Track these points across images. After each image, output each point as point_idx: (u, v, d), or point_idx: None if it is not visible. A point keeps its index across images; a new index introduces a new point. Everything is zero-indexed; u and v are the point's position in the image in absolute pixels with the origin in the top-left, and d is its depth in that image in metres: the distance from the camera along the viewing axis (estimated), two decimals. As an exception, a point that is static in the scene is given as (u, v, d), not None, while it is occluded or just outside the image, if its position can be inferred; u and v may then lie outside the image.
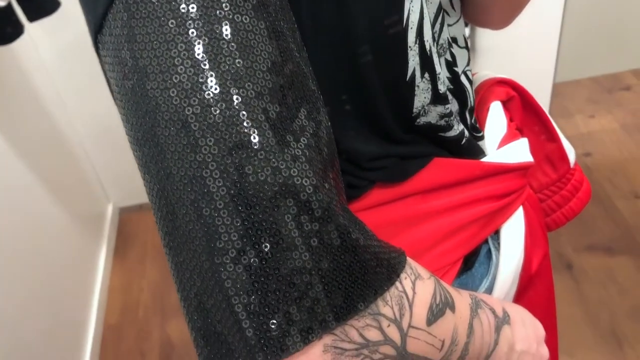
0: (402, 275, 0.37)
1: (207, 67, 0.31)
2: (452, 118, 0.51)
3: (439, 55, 0.50)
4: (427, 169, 0.51)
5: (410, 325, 0.36)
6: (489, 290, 0.56)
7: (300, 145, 0.33)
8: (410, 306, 0.37)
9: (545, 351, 0.53)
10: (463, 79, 0.54)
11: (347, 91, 0.45)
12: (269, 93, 0.32)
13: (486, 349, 0.45)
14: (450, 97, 0.52)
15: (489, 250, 0.57)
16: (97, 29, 0.35)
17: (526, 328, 0.50)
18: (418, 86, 0.47)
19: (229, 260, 0.31)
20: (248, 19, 0.33)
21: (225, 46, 0.32)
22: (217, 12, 0.32)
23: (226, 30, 0.32)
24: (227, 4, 0.32)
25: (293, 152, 0.32)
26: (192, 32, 0.31)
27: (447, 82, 0.52)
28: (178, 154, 0.32)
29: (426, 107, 0.48)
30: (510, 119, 0.65)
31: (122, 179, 2.11)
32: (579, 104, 2.35)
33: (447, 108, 0.50)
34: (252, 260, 0.31)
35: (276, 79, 0.33)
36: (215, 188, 0.31)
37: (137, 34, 0.32)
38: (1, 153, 1.43)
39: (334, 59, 0.43)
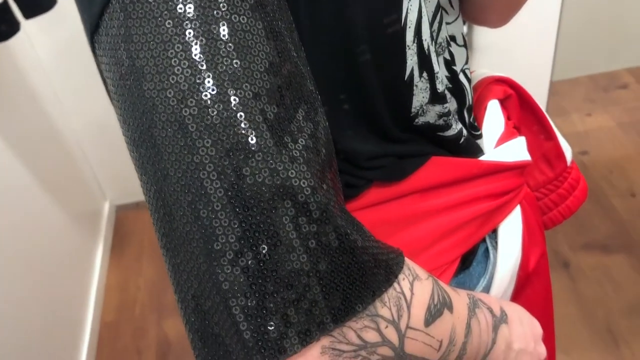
0: (400, 276, 0.37)
1: (204, 67, 0.31)
2: (450, 117, 0.51)
3: (438, 54, 0.50)
4: (425, 167, 0.51)
5: (408, 326, 0.36)
6: (487, 289, 0.56)
7: (298, 147, 0.33)
8: (408, 307, 0.36)
9: (542, 349, 0.53)
10: (462, 77, 0.54)
11: (345, 90, 0.45)
12: (267, 94, 0.32)
13: (484, 348, 0.45)
14: (448, 96, 0.52)
15: (487, 249, 0.57)
16: (93, 29, 0.35)
17: (523, 327, 0.51)
18: (416, 85, 0.47)
19: (226, 262, 0.31)
20: (245, 19, 0.32)
21: (223, 47, 0.31)
22: (215, 12, 0.32)
23: (223, 30, 0.32)
24: (225, 4, 0.32)
25: (291, 153, 0.32)
26: (189, 33, 0.31)
27: (445, 81, 0.52)
28: (175, 155, 0.32)
29: (424, 107, 0.48)
30: (508, 118, 0.65)
31: (118, 176, 2.11)
32: (576, 102, 2.36)
33: (446, 107, 0.50)
34: (249, 262, 0.31)
35: (274, 79, 0.33)
36: (213, 190, 0.31)
37: (133, 34, 0.32)
38: (-3, 151, 1.43)
39: (332, 58, 0.43)
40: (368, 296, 0.34)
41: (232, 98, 0.31)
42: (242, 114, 0.31)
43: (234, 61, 0.32)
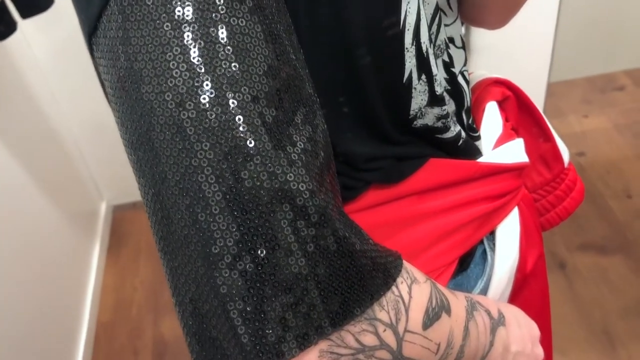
0: (399, 280, 0.37)
1: (202, 70, 0.31)
2: (449, 119, 0.51)
3: (436, 57, 0.50)
4: (423, 169, 0.51)
5: (406, 330, 0.36)
6: (484, 291, 0.56)
7: (297, 150, 0.33)
8: (407, 310, 0.36)
9: (540, 351, 0.53)
10: (460, 79, 0.54)
11: (344, 93, 0.45)
12: (265, 97, 0.32)
13: (481, 351, 0.45)
14: (447, 98, 0.52)
15: (485, 251, 0.57)
16: (91, 31, 0.35)
17: (521, 329, 0.51)
18: (415, 88, 0.46)
19: (224, 266, 0.31)
20: (244, 22, 0.32)
21: (221, 50, 0.31)
22: (213, 15, 0.31)
23: (222, 33, 0.31)
24: (223, 7, 0.32)
25: (289, 156, 0.32)
26: (188, 36, 0.31)
27: (444, 83, 0.52)
28: (173, 158, 0.31)
29: (423, 109, 0.48)
30: (506, 119, 0.65)
31: (115, 177, 2.10)
32: (573, 104, 2.36)
33: (444, 110, 0.50)
34: (247, 265, 0.31)
35: (272, 82, 0.33)
36: (211, 193, 0.31)
37: (132, 36, 0.32)
38: (-7, 151, 1.43)
39: (331, 61, 0.42)
40: (366, 300, 0.34)
41: (230, 101, 0.31)
42: (240, 117, 0.31)
43: (233, 64, 0.31)
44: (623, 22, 2.33)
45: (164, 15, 0.31)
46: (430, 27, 0.48)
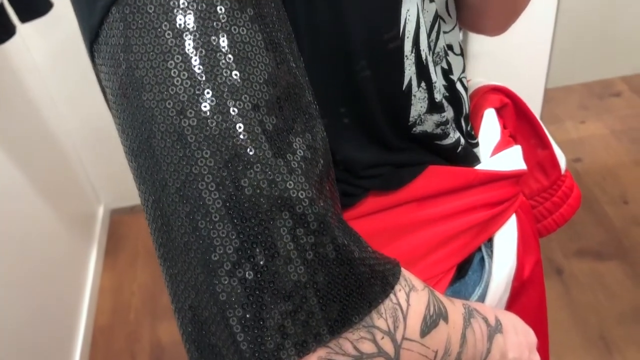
0: (397, 288, 0.37)
1: (203, 79, 0.31)
2: (448, 126, 0.51)
3: (435, 64, 0.50)
4: (422, 176, 0.51)
5: (404, 337, 0.36)
6: (482, 298, 0.56)
7: (297, 158, 0.33)
8: (404, 318, 0.37)
9: (536, 358, 0.53)
10: (458, 86, 0.55)
11: (344, 102, 0.45)
12: (266, 105, 0.32)
13: (478, 358, 0.45)
14: (446, 105, 0.52)
15: (482, 258, 0.57)
16: (92, 38, 0.35)
17: (518, 336, 0.51)
18: (414, 95, 0.47)
19: (224, 273, 0.31)
20: (245, 30, 0.32)
21: (222, 58, 0.31)
22: (214, 23, 0.32)
23: (223, 42, 0.32)
24: (224, 16, 0.32)
25: (289, 164, 0.32)
26: (189, 44, 0.31)
27: (443, 90, 0.52)
28: (174, 165, 0.31)
29: (422, 116, 0.48)
30: (504, 126, 0.66)
31: (113, 180, 2.10)
32: (570, 110, 2.37)
33: (444, 116, 0.50)
34: (247, 273, 0.31)
35: (273, 90, 0.33)
36: (211, 200, 0.31)
37: (133, 44, 0.32)
38: (-9, 154, 1.42)
39: (332, 72, 0.43)
40: (364, 307, 0.34)
41: (231, 109, 0.31)
42: (241, 125, 0.31)
43: (234, 72, 0.32)
44: (620, 28, 2.34)
45: (166, 23, 0.31)
46: (429, 35, 0.48)
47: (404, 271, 0.39)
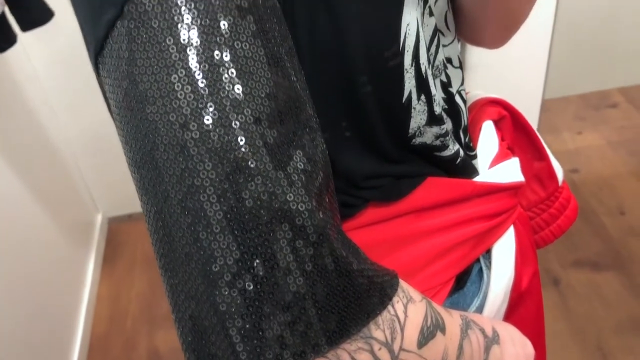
0: (395, 299, 0.37)
1: (206, 92, 0.31)
2: (447, 138, 0.52)
3: (435, 77, 0.51)
4: (421, 188, 0.51)
5: (401, 348, 0.37)
6: (480, 309, 0.56)
7: (297, 170, 0.33)
8: (402, 329, 0.37)
9: (534, 369, 0.53)
10: (457, 98, 0.55)
11: (345, 117, 0.45)
12: (267, 119, 0.33)
13: (476, 369, 0.45)
14: (445, 117, 0.52)
15: (481, 269, 0.58)
16: (97, 50, 0.35)
17: (515, 347, 0.51)
18: (414, 108, 0.47)
19: (224, 284, 0.32)
20: (248, 45, 0.33)
21: (225, 72, 0.32)
22: (218, 38, 0.32)
23: (226, 56, 0.32)
24: (227, 31, 0.32)
25: (290, 177, 0.33)
26: (193, 58, 0.32)
27: (442, 102, 0.52)
28: (176, 177, 0.32)
29: (422, 128, 0.49)
30: (502, 138, 0.66)
31: (111, 188, 2.10)
32: (567, 120, 2.38)
33: (443, 128, 0.50)
34: (247, 284, 0.32)
35: (274, 104, 0.33)
36: (212, 212, 0.31)
37: (137, 58, 0.32)
38: (-10, 161, 1.43)
39: (333, 86, 0.43)
40: (362, 319, 0.34)
41: (233, 123, 0.32)
42: (242, 138, 0.32)
43: (236, 87, 0.32)
44: (617, 40, 2.36)
45: (170, 38, 0.32)
46: (429, 49, 0.48)
47: (402, 283, 0.39)
